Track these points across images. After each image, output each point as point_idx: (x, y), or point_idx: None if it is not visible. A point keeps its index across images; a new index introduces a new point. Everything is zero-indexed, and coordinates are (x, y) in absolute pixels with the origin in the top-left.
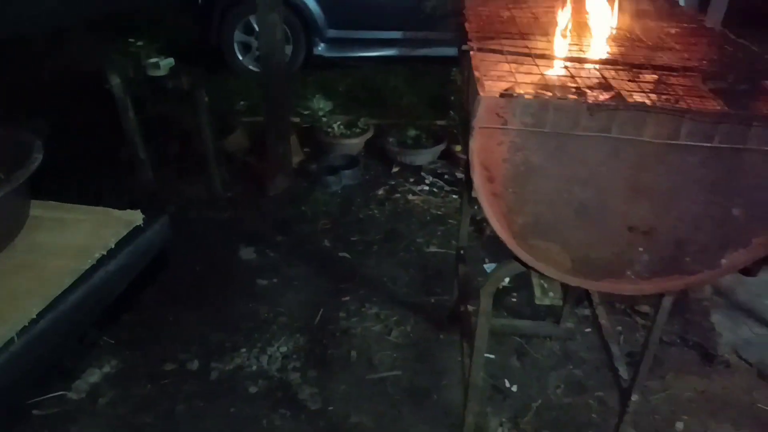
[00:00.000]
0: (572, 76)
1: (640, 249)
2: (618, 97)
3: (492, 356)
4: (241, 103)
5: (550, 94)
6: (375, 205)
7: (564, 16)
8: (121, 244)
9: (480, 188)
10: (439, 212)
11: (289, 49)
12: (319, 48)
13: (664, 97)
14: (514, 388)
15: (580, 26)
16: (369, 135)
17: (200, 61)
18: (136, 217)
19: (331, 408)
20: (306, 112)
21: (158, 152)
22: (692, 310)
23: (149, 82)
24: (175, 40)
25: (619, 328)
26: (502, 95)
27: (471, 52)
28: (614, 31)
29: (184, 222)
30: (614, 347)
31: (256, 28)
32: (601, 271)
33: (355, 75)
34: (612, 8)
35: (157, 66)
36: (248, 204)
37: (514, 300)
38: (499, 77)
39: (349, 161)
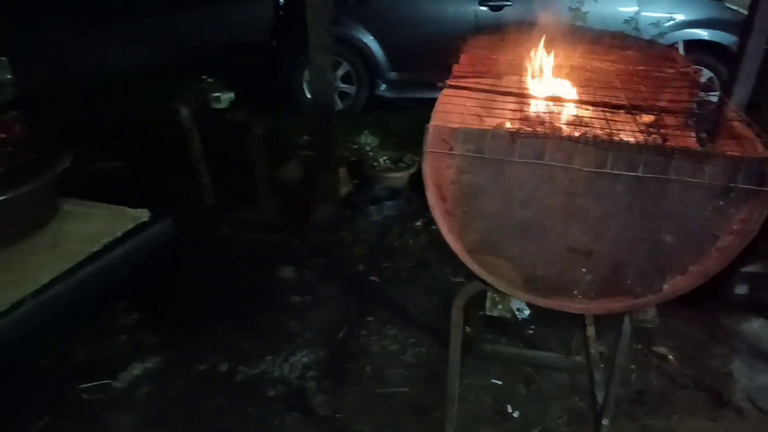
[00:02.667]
0: (521, 111)
1: (583, 270)
2: (552, 128)
3: (499, 382)
4: (304, 138)
5: (492, 124)
6: (411, 236)
7: (538, 59)
8: (127, 234)
9: (434, 207)
10: None
11: (352, 90)
12: (381, 89)
13: (596, 130)
14: (516, 414)
15: (558, 68)
16: (413, 170)
17: (269, 100)
18: (143, 214)
19: (338, 415)
20: (355, 147)
21: (219, 179)
22: (712, 354)
23: (212, 114)
24: (245, 79)
25: (633, 366)
26: (447, 124)
27: (443, 89)
28: (589, 74)
29: (234, 242)
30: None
31: None
32: (550, 289)
33: (413, 115)
34: (591, 52)
35: (218, 99)
36: (293, 229)
37: (531, 332)
38: (459, 111)
39: (391, 194)
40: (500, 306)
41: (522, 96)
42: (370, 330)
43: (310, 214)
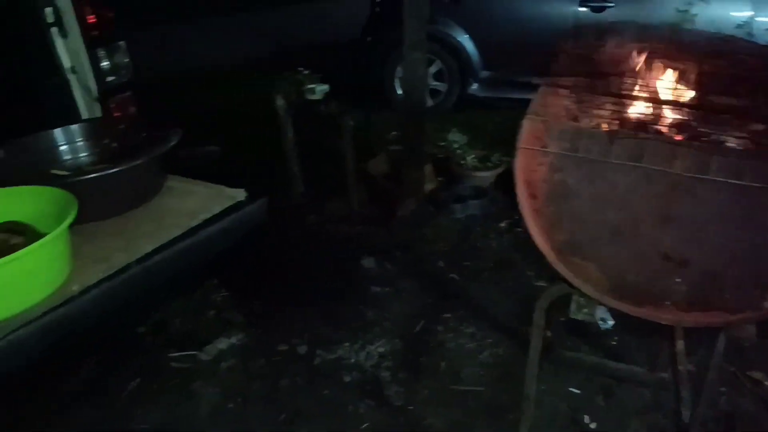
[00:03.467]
0: (621, 112)
1: (678, 279)
2: (652, 131)
3: (577, 391)
4: (392, 133)
5: (590, 124)
6: (494, 236)
7: (641, 61)
8: (224, 212)
9: (523, 205)
10: None
11: (444, 87)
12: (473, 87)
13: (703, 134)
14: (593, 425)
15: (662, 70)
16: (501, 170)
17: (360, 94)
18: (240, 194)
19: (411, 407)
20: (443, 144)
21: (310, 169)
22: None
23: (306, 106)
24: (338, 73)
25: (724, 388)
26: (543, 121)
27: (540, 87)
28: (696, 77)
29: (321, 230)
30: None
31: None
32: (640, 297)
33: (503, 115)
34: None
35: (313, 91)
36: (378, 222)
37: (614, 343)
38: (555, 109)
39: (477, 193)
40: (585, 310)
41: (622, 97)
42: (447, 326)
43: (395, 208)
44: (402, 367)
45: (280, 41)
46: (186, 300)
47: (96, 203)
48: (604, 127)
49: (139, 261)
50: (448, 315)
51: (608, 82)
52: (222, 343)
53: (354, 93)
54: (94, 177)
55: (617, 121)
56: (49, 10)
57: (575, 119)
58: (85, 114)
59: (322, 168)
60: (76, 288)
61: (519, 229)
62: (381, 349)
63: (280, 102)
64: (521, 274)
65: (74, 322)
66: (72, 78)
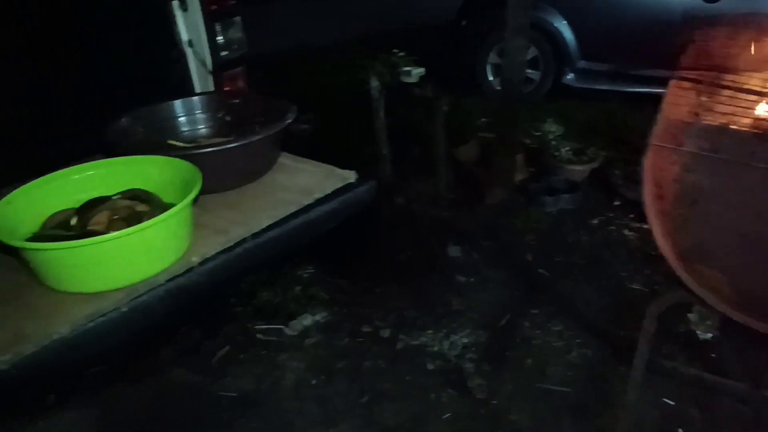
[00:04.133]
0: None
1: None
2: None
3: (671, 402)
4: (482, 120)
5: (730, 123)
6: (586, 232)
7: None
8: (336, 192)
9: (649, 205)
10: (653, 253)
11: (537, 75)
12: (568, 77)
13: None
14: None
15: None
16: (595, 164)
17: (449, 78)
18: (351, 175)
19: (494, 401)
20: (537, 134)
21: (399, 151)
22: None
23: (401, 88)
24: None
25: None
26: (680, 117)
27: (671, 80)
28: None
29: (408, 213)
30: None
31: None
32: None
33: (599, 107)
34: None
35: (408, 74)
36: (466, 208)
37: (714, 355)
38: (689, 107)
39: (570, 186)
40: (708, 322)
41: (759, 94)
42: (534, 322)
43: (484, 195)
44: (486, 359)
45: (376, 22)
46: (273, 273)
47: (216, 175)
48: (745, 126)
49: (254, 235)
50: (536, 310)
51: (747, 78)
52: (307, 320)
53: (445, 77)
54: (217, 150)
55: (761, 121)
56: None
57: (712, 117)
58: (198, 87)
59: (411, 150)
60: (195, 259)
61: (612, 228)
62: (465, 340)
63: (374, 83)
64: (614, 274)
65: (191, 292)
66: (189, 51)
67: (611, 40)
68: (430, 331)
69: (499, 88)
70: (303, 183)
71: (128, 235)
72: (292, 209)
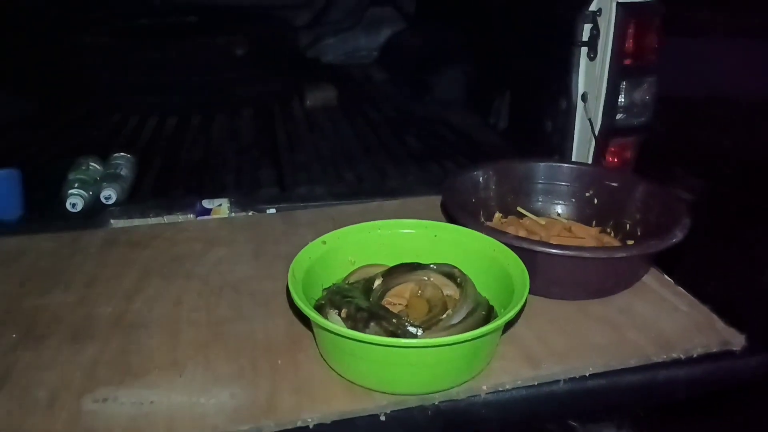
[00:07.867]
0: None
1: None
2: None
3: None
4: None
5: None
6: None
7: None
8: (704, 357)
9: None
10: None
11: None
12: None
13: None
14: None
15: None
16: None
17: None
18: (736, 339)
19: None
20: None
21: None
22: None
23: None
24: None
25: None
26: None
27: None
28: None
29: None
30: None
31: None
32: None
33: None
34: None
35: None
36: None
37: None
38: None
39: None
40: None
41: None
42: None
43: None
44: None
45: None
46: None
47: (554, 280)
48: None
49: (572, 380)
50: None
51: None
52: None
53: None
54: (588, 257)
55: None
56: (587, 26)
57: None
58: (574, 150)
59: None
60: (485, 387)
61: None
62: None
63: None
64: None
65: (467, 422)
66: (579, 105)
67: None
68: None
69: None
70: (662, 328)
71: (446, 345)
72: (632, 363)
